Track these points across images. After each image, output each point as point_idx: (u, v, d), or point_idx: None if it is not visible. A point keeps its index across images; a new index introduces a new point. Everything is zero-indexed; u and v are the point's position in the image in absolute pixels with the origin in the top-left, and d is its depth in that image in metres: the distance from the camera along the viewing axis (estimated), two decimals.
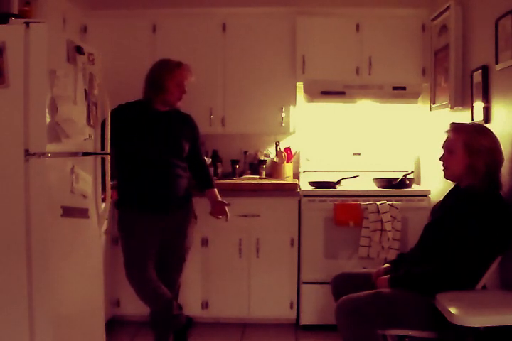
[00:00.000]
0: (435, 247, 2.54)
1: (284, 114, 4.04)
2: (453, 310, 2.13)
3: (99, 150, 2.82)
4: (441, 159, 2.67)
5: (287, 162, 4.24)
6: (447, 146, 2.63)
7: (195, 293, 3.79)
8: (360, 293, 2.49)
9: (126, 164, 3.20)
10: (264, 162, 4.29)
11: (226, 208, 3.39)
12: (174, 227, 3.27)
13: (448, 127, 2.66)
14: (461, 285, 2.38)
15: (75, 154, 2.60)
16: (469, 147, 2.51)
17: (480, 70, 2.94)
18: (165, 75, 3.20)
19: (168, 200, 3.22)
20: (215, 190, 3.45)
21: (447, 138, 2.64)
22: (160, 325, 3.21)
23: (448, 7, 3.37)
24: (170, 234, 3.26)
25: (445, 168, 2.66)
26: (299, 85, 4.03)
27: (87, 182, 2.68)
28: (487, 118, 2.88)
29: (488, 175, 2.49)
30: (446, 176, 2.67)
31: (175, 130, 3.27)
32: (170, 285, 3.30)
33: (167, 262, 3.32)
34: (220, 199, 3.42)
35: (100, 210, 2.84)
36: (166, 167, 3.19)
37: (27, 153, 2.29)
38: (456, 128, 2.62)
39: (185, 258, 3.38)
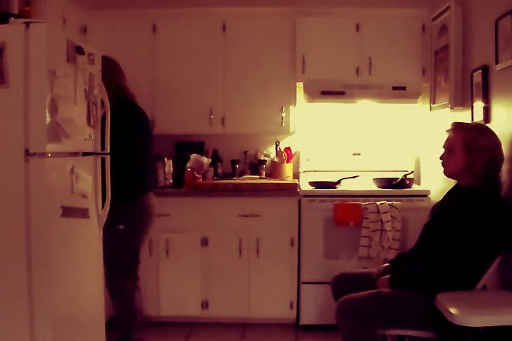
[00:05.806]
0: (435, 247, 2.54)
1: (284, 114, 4.03)
2: (453, 310, 2.13)
3: (99, 150, 2.82)
4: (441, 158, 2.68)
5: (287, 162, 4.24)
6: (447, 145, 2.63)
7: (195, 293, 3.79)
8: (360, 293, 2.49)
9: None
10: (264, 162, 4.28)
11: None
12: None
13: (448, 127, 2.66)
14: (461, 285, 2.38)
15: (75, 154, 2.59)
16: (468, 146, 2.51)
17: (480, 70, 2.94)
18: None
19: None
20: None
21: (448, 137, 2.64)
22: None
23: (448, 7, 3.37)
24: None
25: (444, 166, 2.67)
26: (299, 85, 4.03)
27: (87, 182, 2.68)
28: (487, 118, 2.88)
29: (486, 174, 2.49)
30: (445, 173, 2.68)
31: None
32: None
33: None
34: None
35: (100, 210, 2.84)
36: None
37: (27, 153, 2.29)
38: (457, 127, 2.62)
39: (109, 264, 3.01)
